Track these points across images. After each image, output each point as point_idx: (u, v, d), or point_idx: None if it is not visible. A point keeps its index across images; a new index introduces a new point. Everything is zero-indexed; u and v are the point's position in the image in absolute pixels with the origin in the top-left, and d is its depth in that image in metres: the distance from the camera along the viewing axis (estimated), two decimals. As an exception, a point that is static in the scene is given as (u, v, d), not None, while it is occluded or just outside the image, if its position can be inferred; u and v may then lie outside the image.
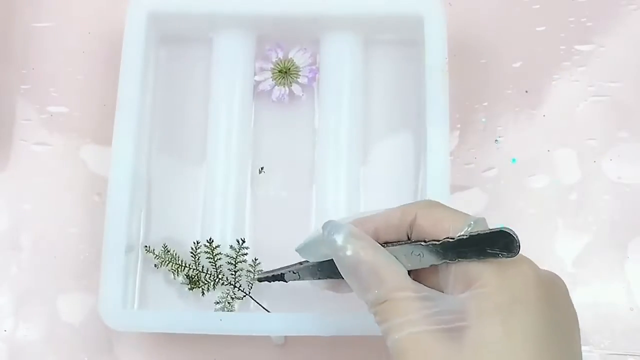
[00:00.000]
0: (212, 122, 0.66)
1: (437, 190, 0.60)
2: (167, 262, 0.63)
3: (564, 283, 0.47)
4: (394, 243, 0.48)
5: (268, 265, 0.63)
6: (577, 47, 0.70)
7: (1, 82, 0.70)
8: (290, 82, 0.67)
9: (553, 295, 0.45)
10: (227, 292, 0.62)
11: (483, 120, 0.68)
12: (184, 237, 0.64)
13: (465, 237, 0.44)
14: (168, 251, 0.63)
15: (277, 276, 0.55)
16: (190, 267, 0.62)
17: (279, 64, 0.67)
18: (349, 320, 0.59)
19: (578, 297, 0.64)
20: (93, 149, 0.68)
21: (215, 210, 0.64)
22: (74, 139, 0.68)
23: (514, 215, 0.66)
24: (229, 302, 0.62)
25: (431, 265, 0.46)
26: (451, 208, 0.48)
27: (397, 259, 0.47)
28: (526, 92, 0.69)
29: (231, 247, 0.62)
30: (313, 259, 0.52)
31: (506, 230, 0.44)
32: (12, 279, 0.65)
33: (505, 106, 0.68)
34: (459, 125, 0.68)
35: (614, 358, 0.63)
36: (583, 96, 0.69)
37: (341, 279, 0.49)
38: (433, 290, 0.46)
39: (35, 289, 0.65)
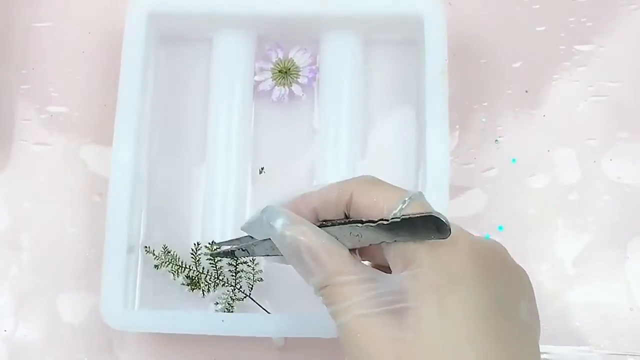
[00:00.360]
0: (212, 122, 0.66)
1: (437, 190, 0.60)
2: (167, 263, 0.63)
3: (504, 249, 0.46)
4: (334, 221, 0.47)
5: (269, 267, 0.63)
6: (577, 47, 0.70)
7: (1, 82, 0.70)
8: (290, 82, 0.67)
9: (492, 267, 0.44)
10: (228, 293, 0.62)
11: (483, 120, 0.68)
12: (184, 237, 0.64)
13: (397, 219, 0.44)
14: (168, 252, 0.63)
15: (228, 252, 0.54)
16: (191, 268, 0.62)
17: (279, 64, 0.67)
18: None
19: (578, 297, 0.64)
20: (93, 149, 0.68)
21: (215, 210, 0.64)
22: (74, 139, 0.68)
23: (514, 215, 0.66)
24: (229, 303, 0.62)
25: (370, 245, 0.46)
26: (388, 184, 0.47)
27: (337, 239, 0.46)
28: (526, 92, 0.69)
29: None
30: (259, 237, 0.51)
31: (435, 215, 0.44)
32: (12, 279, 0.65)
33: (505, 106, 0.68)
34: (458, 126, 0.68)
35: (614, 358, 0.63)
36: (583, 96, 0.69)
37: None
38: (375, 270, 0.46)
39: (35, 289, 0.65)
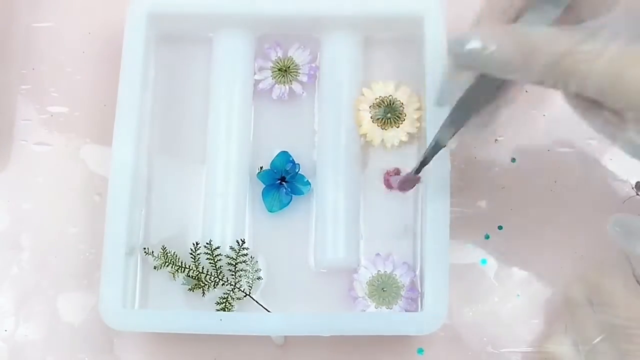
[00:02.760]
0: (212, 122, 0.66)
1: (437, 190, 0.60)
2: (167, 264, 0.62)
3: None
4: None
5: (268, 266, 0.63)
6: (577, 47, 0.70)
7: (1, 82, 0.70)
8: (290, 81, 0.67)
9: None
10: (228, 292, 0.62)
11: (483, 120, 0.68)
12: (184, 237, 0.64)
13: None
14: (167, 253, 0.63)
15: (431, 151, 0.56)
16: (190, 268, 0.62)
17: (278, 62, 0.67)
18: (349, 320, 0.59)
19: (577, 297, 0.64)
20: (93, 149, 0.68)
21: (216, 210, 0.64)
22: (74, 139, 0.68)
23: (514, 215, 0.66)
24: (229, 302, 0.62)
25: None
26: None
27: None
28: (526, 92, 0.69)
29: (231, 247, 0.62)
30: (453, 96, 0.49)
31: None
32: (12, 279, 0.65)
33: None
34: (459, 125, 0.68)
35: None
36: (583, 96, 0.69)
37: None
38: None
39: (35, 289, 0.65)
